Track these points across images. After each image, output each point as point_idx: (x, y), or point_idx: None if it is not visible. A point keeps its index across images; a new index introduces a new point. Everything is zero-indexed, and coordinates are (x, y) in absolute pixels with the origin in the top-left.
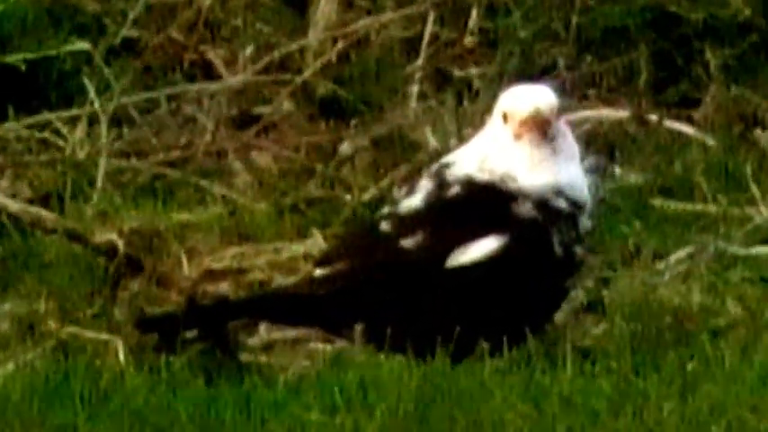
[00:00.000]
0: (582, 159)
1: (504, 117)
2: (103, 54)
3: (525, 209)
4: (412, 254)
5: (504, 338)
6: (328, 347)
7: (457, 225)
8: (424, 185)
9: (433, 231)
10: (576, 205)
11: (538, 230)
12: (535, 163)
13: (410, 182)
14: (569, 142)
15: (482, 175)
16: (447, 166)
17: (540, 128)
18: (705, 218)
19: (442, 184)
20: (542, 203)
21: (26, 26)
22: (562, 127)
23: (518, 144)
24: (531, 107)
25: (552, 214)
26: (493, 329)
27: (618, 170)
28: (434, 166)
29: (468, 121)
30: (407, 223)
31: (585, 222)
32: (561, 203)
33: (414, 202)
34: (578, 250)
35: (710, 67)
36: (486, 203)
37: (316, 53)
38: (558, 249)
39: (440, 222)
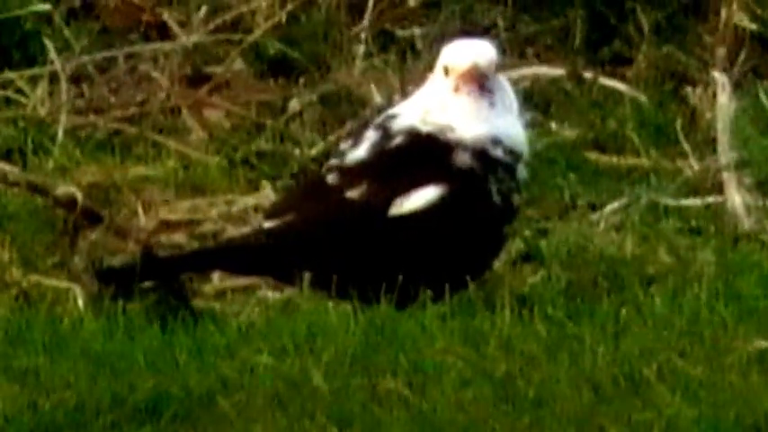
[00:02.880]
0: (520, 114)
1: (445, 70)
2: (64, 15)
3: (464, 159)
4: (356, 204)
5: (446, 285)
6: (278, 295)
7: (399, 175)
8: (369, 137)
9: (377, 182)
10: (514, 155)
11: (476, 179)
12: (473, 115)
13: (355, 134)
14: (508, 95)
15: (424, 127)
16: (391, 117)
17: (478, 81)
18: (638, 171)
19: (385, 135)
20: (481, 153)
21: None
22: (501, 80)
23: (457, 96)
24: (469, 61)
25: (490, 164)
26: (435, 276)
27: (554, 125)
28: (379, 118)
29: (411, 79)
30: (352, 174)
31: (523, 171)
32: (499, 153)
33: (359, 153)
34: (516, 198)
35: (642, 27)
36: (427, 154)
37: (265, 14)
38: (496, 197)
39: (383, 173)
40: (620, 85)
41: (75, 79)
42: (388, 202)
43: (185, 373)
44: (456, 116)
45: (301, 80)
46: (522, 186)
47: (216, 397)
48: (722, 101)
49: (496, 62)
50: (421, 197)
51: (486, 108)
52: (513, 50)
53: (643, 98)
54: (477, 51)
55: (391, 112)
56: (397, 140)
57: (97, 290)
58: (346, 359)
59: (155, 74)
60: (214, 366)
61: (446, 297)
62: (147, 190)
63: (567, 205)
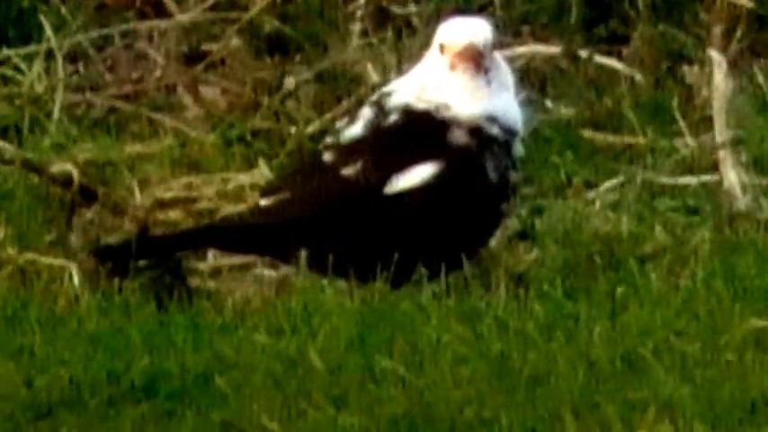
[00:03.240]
0: (516, 93)
1: (441, 48)
2: None
3: (460, 136)
4: (352, 181)
5: (442, 264)
6: (274, 273)
7: (395, 152)
8: (365, 114)
9: (372, 159)
10: (510, 132)
11: (472, 156)
12: (469, 92)
13: (351, 111)
14: (504, 72)
15: (419, 104)
16: (387, 95)
17: (474, 59)
18: (634, 149)
19: (381, 112)
20: (476, 130)
21: None
22: (497, 58)
23: (453, 74)
24: (465, 39)
25: (486, 141)
26: (431, 254)
27: (550, 104)
28: (375, 95)
29: (407, 57)
30: (348, 152)
31: (519, 148)
32: (495, 130)
33: (354, 130)
34: (512, 175)
35: (638, 5)
36: (423, 131)
37: None
38: (492, 174)
39: (378, 150)
40: (616, 64)
41: (72, 57)
42: (383, 180)
43: (181, 352)
44: (452, 94)
45: (297, 58)
46: (519, 164)
47: (212, 375)
48: (718, 79)
49: (492, 40)
50: (416, 175)
51: (481, 86)
52: (509, 29)
53: (639, 77)
54: (472, 29)
55: (386, 89)
56: (393, 118)
57: (93, 268)
58: (342, 338)
59: (151, 52)
60: (210, 345)
61: (442, 276)
62: (143, 168)
63: (563, 184)
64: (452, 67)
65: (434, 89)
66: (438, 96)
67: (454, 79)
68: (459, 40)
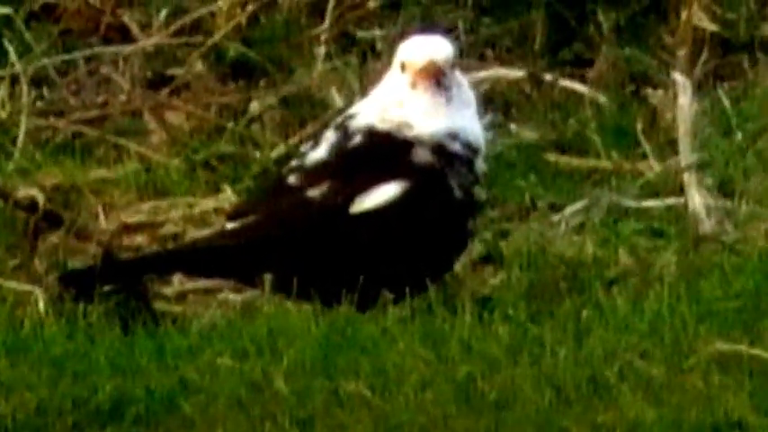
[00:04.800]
0: (480, 117)
1: (402, 66)
2: (24, 18)
3: (423, 154)
4: (317, 203)
5: (409, 285)
6: (239, 297)
7: (359, 173)
8: (329, 137)
9: (337, 180)
10: (471, 149)
11: (436, 174)
12: (430, 110)
13: (315, 135)
14: (464, 90)
15: (382, 125)
16: (350, 117)
17: (435, 77)
18: (598, 172)
19: (344, 135)
20: (438, 148)
21: None
22: (458, 76)
23: (414, 92)
24: (425, 57)
25: (449, 158)
26: (397, 276)
27: (514, 127)
28: (338, 118)
29: (372, 81)
30: (313, 174)
31: (482, 165)
32: (456, 147)
33: (319, 153)
34: (478, 192)
35: (603, 29)
36: (386, 151)
37: (226, 16)
38: (457, 192)
39: (343, 171)
40: (580, 87)
41: (36, 81)
42: (348, 201)
43: (147, 376)
44: (413, 112)
45: (262, 82)
46: (483, 180)
47: (177, 399)
48: (683, 102)
49: (453, 58)
50: (381, 194)
51: (442, 103)
52: (474, 52)
53: (604, 100)
54: (433, 47)
55: (350, 111)
56: (356, 140)
57: (58, 292)
58: (307, 361)
59: (115, 76)
60: (175, 368)
61: (407, 299)
62: (108, 192)
63: (528, 207)
64: (413, 85)
65: (396, 108)
66: (400, 115)
67: (415, 97)
68: (420, 57)
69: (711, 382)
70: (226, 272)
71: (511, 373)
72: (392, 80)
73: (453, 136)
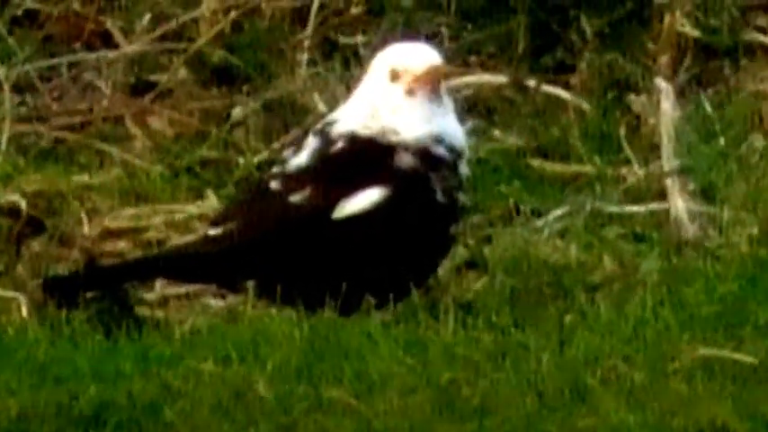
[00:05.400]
0: (463, 122)
1: (394, 74)
2: (6, 24)
3: (407, 159)
4: (300, 208)
5: (392, 289)
6: (222, 303)
7: (342, 179)
8: (310, 143)
9: (320, 185)
10: (456, 152)
11: (419, 179)
12: (424, 116)
13: (296, 141)
14: (445, 94)
15: (366, 131)
16: (331, 123)
17: (435, 83)
18: (581, 178)
19: (326, 140)
20: (424, 152)
21: None
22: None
23: (410, 98)
24: (425, 63)
25: (434, 162)
26: (381, 281)
27: (497, 133)
28: (319, 124)
29: (355, 87)
30: (295, 180)
31: (465, 169)
32: (441, 151)
33: (300, 159)
34: (461, 197)
35: (586, 35)
36: (369, 157)
37: (209, 22)
38: (440, 196)
39: (325, 177)
40: (563, 93)
41: (19, 88)
42: (331, 206)
43: (129, 381)
44: (406, 118)
45: (245, 88)
46: (466, 184)
47: (160, 405)
48: (665, 108)
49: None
50: (364, 199)
51: (435, 109)
52: (457, 58)
53: (586, 106)
54: (427, 54)
55: (330, 118)
56: (339, 145)
57: (41, 298)
58: (290, 367)
59: (98, 82)
60: (158, 374)
61: (390, 305)
62: (91, 198)
63: (511, 212)
64: (410, 91)
65: (389, 114)
66: (389, 121)
67: (411, 103)
68: (420, 64)
69: (694, 388)
70: (208, 278)
71: (494, 378)
72: (376, 87)
73: (438, 140)
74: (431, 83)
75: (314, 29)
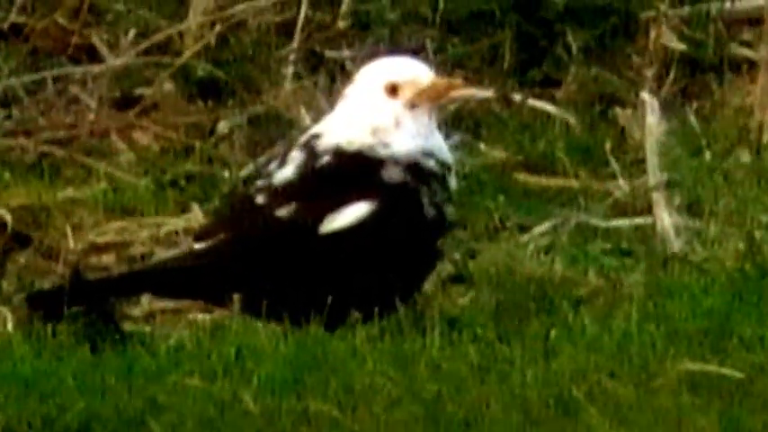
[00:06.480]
0: (449, 137)
1: (392, 88)
2: None
3: (396, 173)
4: (286, 222)
5: (376, 307)
6: (207, 317)
7: (328, 193)
8: (295, 157)
9: (306, 200)
10: (445, 166)
11: (407, 193)
12: (420, 131)
13: (281, 154)
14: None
15: (353, 145)
16: (316, 137)
17: (438, 96)
18: (567, 192)
19: (312, 154)
20: (414, 166)
21: None
22: None
23: (410, 113)
24: (429, 77)
25: (425, 176)
26: (367, 295)
27: (483, 147)
28: (303, 138)
29: (338, 100)
30: (281, 194)
31: (453, 182)
32: (432, 164)
33: (286, 173)
34: (449, 210)
35: (572, 49)
36: (356, 171)
37: (194, 36)
38: (428, 210)
39: (312, 191)
40: (549, 107)
41: (4, 101)
42: (318, 220)
43: (115, 396)
44: (401, 132)
45: (230, 102)
46: (454, 196)
47: (146, 419)
48: (651, 122)
49: None
50: (351, 213)
51: (430, 123)
52: (443, 72)
53: (572, 119)
54: (423, 67)
55: (314, 131)
56: (325, 159)
57: (27, 312)
58: (276, 381)
59: (83, 96)
60: (144, 389)
61: (376, 319)
62: (77, 212)
63: (497, 227)
64: (412, 105)
65: (385, 128)
66: (382, 135)
67: (410, 117)
68: (424, 78)
69: (680, 402)
70: (194, 292)
71: (479, 392)
72: (369, 101)
73: (429, 154)
74: (434, 96)
75: (300, 43)
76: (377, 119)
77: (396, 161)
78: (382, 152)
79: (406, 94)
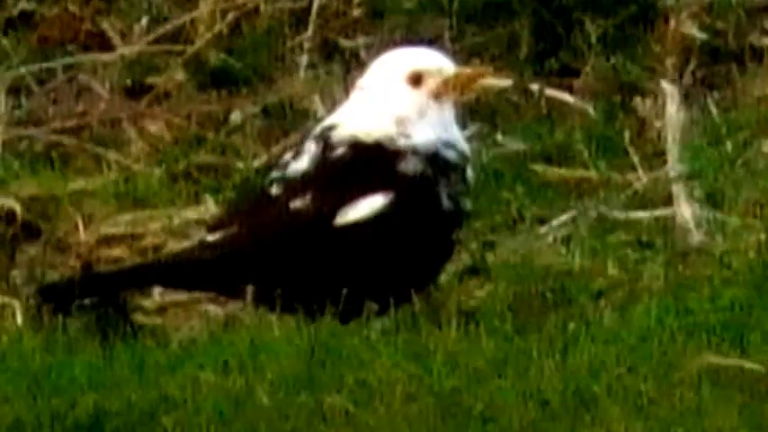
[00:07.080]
0: (466, 127)
1: (416, 77)
2: (1, 26)
3: (414, 164)
4: (301, 214)
5: (393, 295)
6: (220, 310)
7: (344, 184)
8: (309, 148)
9: (322, 191)
10: (465, 156)
11: (424, 185)
12: (443, 121)
13: (296, 145)
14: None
15: (370, 135)
16: (331, 127)
17: (464, 86)
18: (585, 183)
19: (327, 145)
20: (434, 157)
21: None
22: None
23: (435, 103)
24: (453, 67)
25: (443, 167)
26: (382, 287)
27: (500, 137)
28: (317, 129)
29: (353, 89)
30: (296, 185)
31: (470, 173)
32: (452, 156)
33: (301, 164)
34: (466, 202)
35: (590, 38)
36: (372, 162)
37: (207, 24)
38: (445, 202)
39: (328, 182)
40: (567, 97)
41: (14, 90)
42: (333, 212)
43: (126, 390)
44: (424, 122)
45: (243, 91)
46: (471, 188)
47: (158, 413)
48: (671, 112)
49: None
50: (367, 206)
51: (452, 113)
52: (459, 61)
53: (591, 109)
54: (443, 57)
55: (329, 122)
56: (340, 150)
57: (37, 305)
58: (290, 375)
59: (94, 85)
60: (155, 383)
61: (391, 312)
62: (87, 203)
63: (515, 218)
64: (437, 95)
65: (407, 118)
66: (403, 125)
67: (435, 107)
68: (449, 68)
69: (701, 396)
70: (207, 284)
71: (496, 386)
72: (389, 90)
73: (449, 145)
74: (460, 86)
75: (314, 31)
76: (399, 109)
77: (415, 152)
78: (402, 143)
79: (430, 84)
